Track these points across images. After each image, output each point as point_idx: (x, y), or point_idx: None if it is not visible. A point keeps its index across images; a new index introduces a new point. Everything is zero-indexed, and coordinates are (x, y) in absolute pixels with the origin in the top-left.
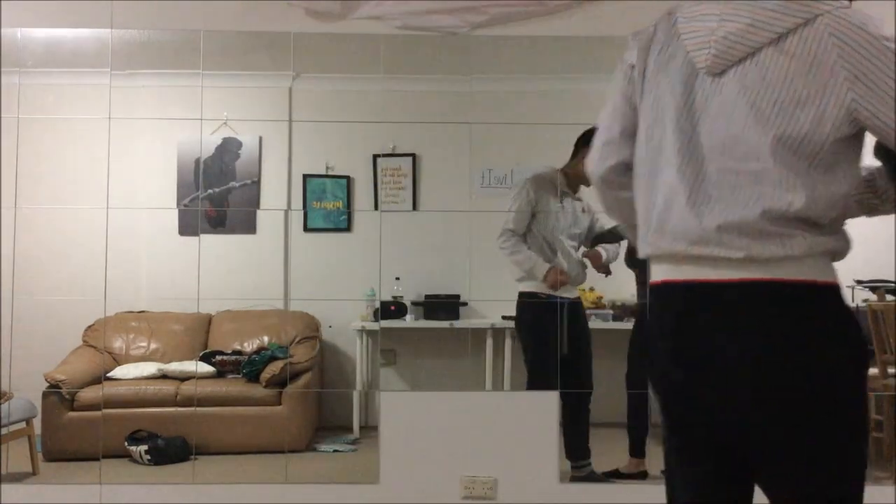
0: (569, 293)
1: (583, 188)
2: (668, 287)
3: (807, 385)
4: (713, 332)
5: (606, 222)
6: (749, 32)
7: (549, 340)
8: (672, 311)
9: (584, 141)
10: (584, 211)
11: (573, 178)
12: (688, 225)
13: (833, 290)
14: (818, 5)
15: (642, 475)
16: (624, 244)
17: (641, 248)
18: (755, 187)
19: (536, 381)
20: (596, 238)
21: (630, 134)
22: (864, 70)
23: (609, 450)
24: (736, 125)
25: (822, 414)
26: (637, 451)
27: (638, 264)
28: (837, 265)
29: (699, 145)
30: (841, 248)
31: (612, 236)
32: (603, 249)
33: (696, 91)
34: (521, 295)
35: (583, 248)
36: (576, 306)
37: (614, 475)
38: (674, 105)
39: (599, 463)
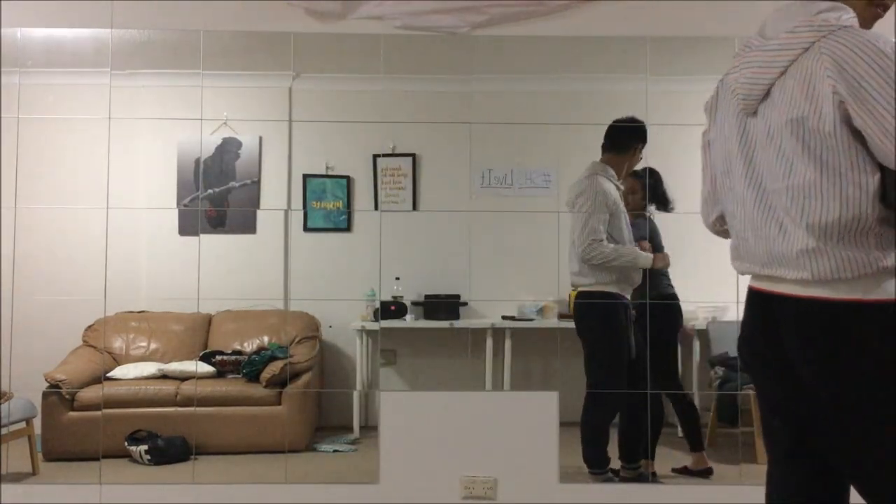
0: (628, 295)
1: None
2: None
3: None
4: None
5: None
6: (760, 73)
7: (621, 340)
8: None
9: (616, 131)
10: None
11: (616, 168)
12: (750, 252)
13: None
14: (814, 34)
15: (708, 472)
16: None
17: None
18: (791, 210)
19: (607, 382)
20: None
21: (716, 188)
22: (847, 79)
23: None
24: (770, 155)
25: None
26: (696, 445)
27: None
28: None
29: (753, 180)
30: None
31: None
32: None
33: (744, 133)
34: (593, 294)
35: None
36: (635, 308)
37: (683, 472)
38: (734, 149)
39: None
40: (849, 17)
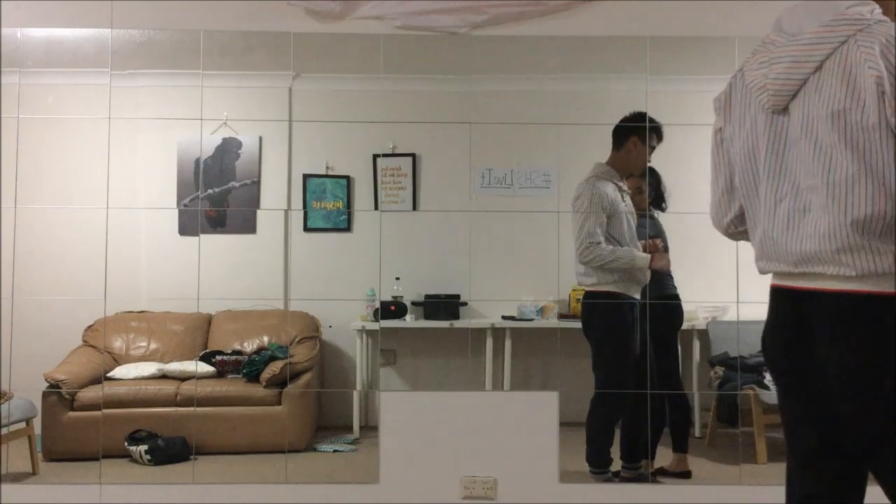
0: (635, 294)
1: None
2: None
3: None
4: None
5: None
6: (793, 68)
7: (627, 341)
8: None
9: (625, 130)
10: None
11: (621, 170)
12: (781, 250)
13: None
14: (850, 28)
15: (686, 475)
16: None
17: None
18: (828, 207)
19: (613, 382)
20: None
21: (734, 186)
22: (889, 70)
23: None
24: (806, 151)
25: None
26: (681, 446)
27: None
28: None
29: (784, 177)
30: None
31: None
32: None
33: (772, 130)
34: (599, 295)
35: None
36: (640, 308)
37: (660, 472)
38: (760, 146)
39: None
40: (879, 11)
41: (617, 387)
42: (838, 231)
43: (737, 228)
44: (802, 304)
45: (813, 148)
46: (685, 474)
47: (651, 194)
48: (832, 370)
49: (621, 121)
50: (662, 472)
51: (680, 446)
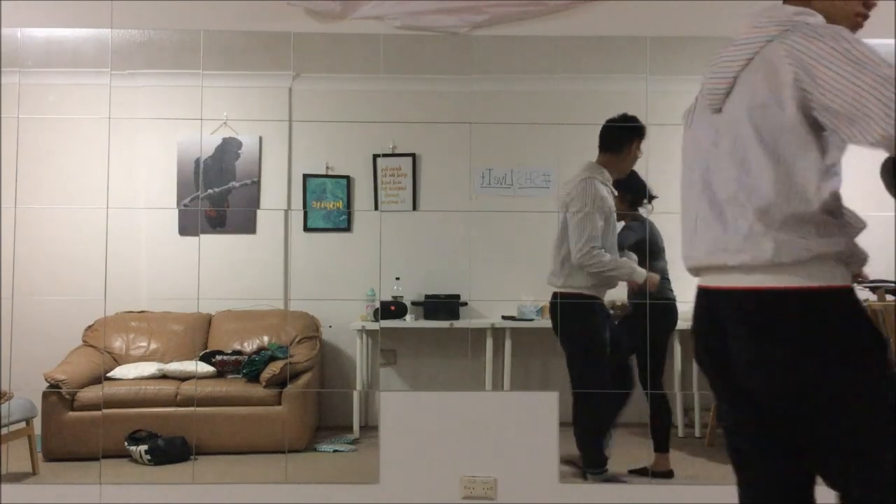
0: (604, 296)
1: None
2: None
3: None
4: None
5: None
6: (725, 67)
7: (599, 341)
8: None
9: (624, 132)
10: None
11: (613, 172)
12: (696, 241)
13: None
14: (777, 28)
15: (668, 474)
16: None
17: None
18: (746, 202)
19: (590, 382)
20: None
21: None
22: (808, 67)
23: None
24: (728, 144)
25: None
26: (662, 446)
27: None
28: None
29: (710, 173)
30: None
31: None
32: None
33: (709, 129)
34: (568, 297)
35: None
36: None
37: (642, 472)
38: (705, 148)
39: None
40: (815, 19)
41: (594, 387)
42: (743, 221)
43: None
44: (713, 304)
45: (733, 142)
46: (667, 474)
47: (628, 197)
48: (747, 369)
49: (608, 121)
50: (645, 473)
51: (661, 446)
